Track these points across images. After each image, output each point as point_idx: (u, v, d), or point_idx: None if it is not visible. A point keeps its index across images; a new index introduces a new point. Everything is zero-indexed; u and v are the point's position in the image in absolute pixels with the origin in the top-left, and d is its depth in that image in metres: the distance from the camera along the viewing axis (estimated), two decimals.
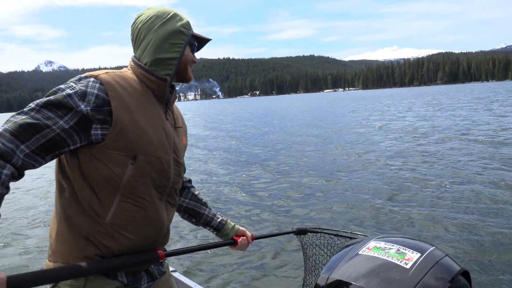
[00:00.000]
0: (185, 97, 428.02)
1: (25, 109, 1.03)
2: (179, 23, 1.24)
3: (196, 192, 1.60)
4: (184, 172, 1.46)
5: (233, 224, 1.65)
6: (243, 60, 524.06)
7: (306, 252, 1.88)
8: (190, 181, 1.61)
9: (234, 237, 1.62)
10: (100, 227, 1.14)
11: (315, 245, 1.85)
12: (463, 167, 8.64)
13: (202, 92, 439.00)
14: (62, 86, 1.08)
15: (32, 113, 1.01)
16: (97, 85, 1.10)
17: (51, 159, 1.08)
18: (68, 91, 1.06)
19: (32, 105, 1.04)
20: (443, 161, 9.29)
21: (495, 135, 12.83)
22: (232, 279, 4.11)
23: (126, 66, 1.31)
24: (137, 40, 1.26)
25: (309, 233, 1.86)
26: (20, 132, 0.99)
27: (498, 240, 4.60)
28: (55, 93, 1.06)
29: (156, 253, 1.26)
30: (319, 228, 1.86)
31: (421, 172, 8.42)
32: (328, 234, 1.82)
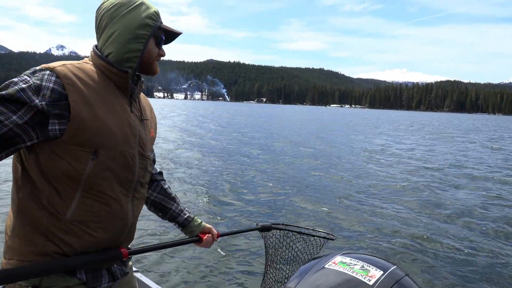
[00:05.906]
0: (192, 96, 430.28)
1: None
2: (145, 13, 1.18)
3: (166, 186, 1.57)
4: (154, 164, 1.43)
5: (199, 221, 1.64)
6: (253, 66, 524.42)
7: (268, 249, 1.89)
8: (160, 173, 1.58)
9: (199, 234, 1.60)
10: (60, 223, 1.10)
11: (278, 242, 1.87)
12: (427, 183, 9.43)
13: (209, 93, 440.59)
14: (15, 79, 1.02)
15: None
16: (53, 78, 1.04)
17: (6, 156, 1.02)
18: (22, 85, 1.00)
19: None
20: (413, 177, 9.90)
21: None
22: (194, 278, 4.12)
23: None
24: (99, 28, 1.19)
25: (273, 230, 1.87)
26: None
27: (455, 261, 4.86)
28: (7, 87, 1.00)
29: (119, 251, 1.21)
30: (282, 224, 1.89)
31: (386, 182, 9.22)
32: (291, 231, 1.85)
